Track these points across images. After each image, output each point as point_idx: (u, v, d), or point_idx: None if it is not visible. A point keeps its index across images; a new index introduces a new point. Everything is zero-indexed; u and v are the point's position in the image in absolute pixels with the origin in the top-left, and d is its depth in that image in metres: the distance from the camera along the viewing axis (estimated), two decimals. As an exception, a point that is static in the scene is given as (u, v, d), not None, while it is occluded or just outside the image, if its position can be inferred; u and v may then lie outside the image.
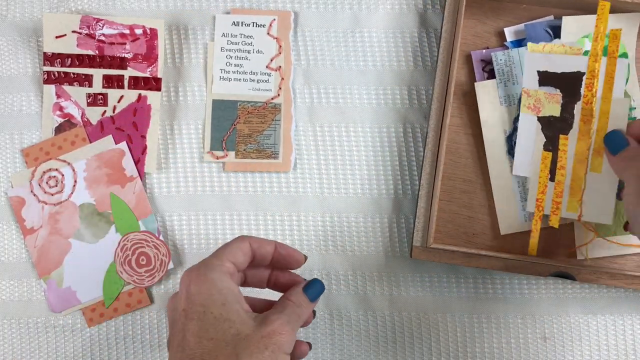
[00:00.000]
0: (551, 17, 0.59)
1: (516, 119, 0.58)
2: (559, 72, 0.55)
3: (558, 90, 0.55)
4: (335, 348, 0.60)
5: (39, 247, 0.60)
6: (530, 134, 0.56)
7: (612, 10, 0.58)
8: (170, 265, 0.60)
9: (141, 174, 0.61)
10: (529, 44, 0.55)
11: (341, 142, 0.61)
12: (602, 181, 0.55)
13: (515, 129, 0.58)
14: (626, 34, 0.58)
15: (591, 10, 0.58)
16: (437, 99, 0.57)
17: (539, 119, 0.55)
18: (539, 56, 0.55)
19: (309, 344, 0.49)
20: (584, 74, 0.54)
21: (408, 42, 0.62)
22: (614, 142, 0.53)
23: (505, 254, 0.57)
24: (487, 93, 0.59)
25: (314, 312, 0.49)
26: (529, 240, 0.57)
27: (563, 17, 0.58)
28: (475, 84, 0.59)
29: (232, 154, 0.61)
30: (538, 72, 0.55)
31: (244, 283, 0.49)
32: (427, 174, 0.57)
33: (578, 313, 0.60)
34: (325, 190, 0.61)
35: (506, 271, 0.57)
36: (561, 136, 0.55)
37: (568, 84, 0.54)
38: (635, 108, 0.59)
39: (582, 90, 0.54)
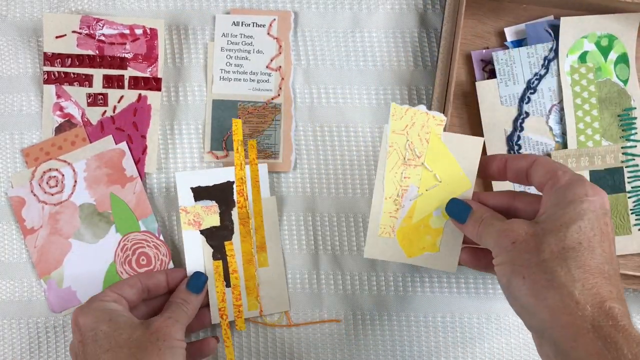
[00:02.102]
0: (551, 17, 0.59)
1: (517, 119, 0.58)
2: (211, 184, 0.58)
3: (213, 201, 0.58)
4: (336, 349, 0.60)
5: (39, 247, 0.60)
6: (197, 249, 0.58)
7: (612, 11, 0.58)
8: (170, 265, 0.60)
9: (141, 174, 0.61)
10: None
11: (341, 142, 0.61)
12: (271, 273, 0.59)
13: (515, 129, 0.58)
14: (626, 34, 0.59)
15: (591, 10, 0.58)
16: (437, 99, 0.57)
17: (202, 232, 0.58)
18: (189, 174, 0.59)
19: (217, 338, 0.59)
20: (233, 182, 0.58)
21: (408, 42, 0.62)
22: (457, 211, 0.49)
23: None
24: (487, 93, 0.59)
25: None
26: (225, 350, 0.59)
27: (561, 18, 0.58)
28: (476, 83, 0.59)
29: (232, 154, 0.61)
30: (191, 188, 0.58)
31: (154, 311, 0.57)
32: (427, 174, 0.57)
33: (578, 313, 0.60)
34: (324, 190, 0.61)
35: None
36: (226, 243, 0.58)
37: (221, 194, 0.58)
38: (635, 108, 0.59)
39: (235, 197, 0.58)
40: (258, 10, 0.62)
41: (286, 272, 0.60)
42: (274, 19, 0.61)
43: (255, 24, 0.61)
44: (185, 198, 0.58)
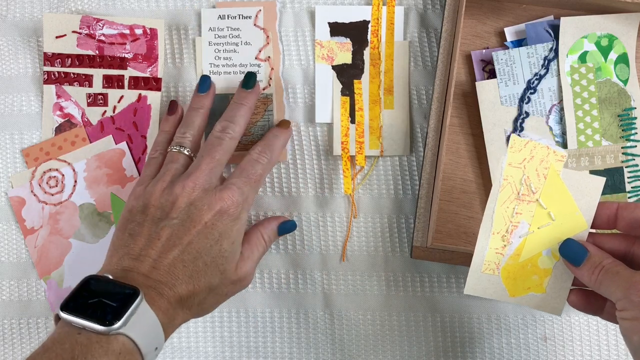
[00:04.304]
0: (551, 17, 0.59)
1: (517, 119, 0.58)
2: (347, 22, 0.60)
3: (348, 39, 0.60)
4: (336, 348, 0.60)
5: (39, 247, 0.60)
6: (327, 83, 0.60)
7: (612, 11, 0.58)
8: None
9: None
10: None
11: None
12: (396, 117, 0.60)
13: (515, 129, 0.58)
14: (626, 34, 0.59)
15: (591, 10, 0.58)
16: (437, 99, 0.57)
17: (334, 67, 0.60)
18: (329, 8, 0.60)
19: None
20: (369, 22, 0.60)
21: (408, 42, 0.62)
22: (572, 254, 0.47)
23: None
24: (487, 93, 0.59)
25: None
26: (343, 181, 0.60)
27: (561, 18, 0.58)
28: (476, 83, 0.59)
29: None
30: (329, 23, 0.60)
31: None
32: (427, 174, 0.57)
33: (578, 313, 0.60)
34: (326, 189, 0.61)
35: (506, 271, 0.57)
36: (355, 81, 0.60)
37: (356, 33, 0.60)
38: (635, 108, 0.59)
39: (369, 37, 0.60)
40: (243, 2, 0.61)
41: (412, 118, 0.61)
42: (260, 10, 0.61)
43: (241, 16, 0.61)
44: (322, 32, 0.60)
